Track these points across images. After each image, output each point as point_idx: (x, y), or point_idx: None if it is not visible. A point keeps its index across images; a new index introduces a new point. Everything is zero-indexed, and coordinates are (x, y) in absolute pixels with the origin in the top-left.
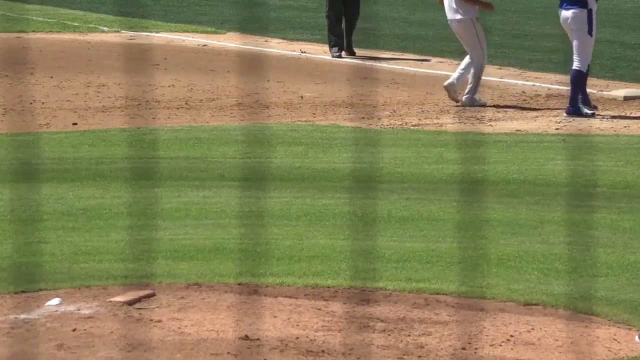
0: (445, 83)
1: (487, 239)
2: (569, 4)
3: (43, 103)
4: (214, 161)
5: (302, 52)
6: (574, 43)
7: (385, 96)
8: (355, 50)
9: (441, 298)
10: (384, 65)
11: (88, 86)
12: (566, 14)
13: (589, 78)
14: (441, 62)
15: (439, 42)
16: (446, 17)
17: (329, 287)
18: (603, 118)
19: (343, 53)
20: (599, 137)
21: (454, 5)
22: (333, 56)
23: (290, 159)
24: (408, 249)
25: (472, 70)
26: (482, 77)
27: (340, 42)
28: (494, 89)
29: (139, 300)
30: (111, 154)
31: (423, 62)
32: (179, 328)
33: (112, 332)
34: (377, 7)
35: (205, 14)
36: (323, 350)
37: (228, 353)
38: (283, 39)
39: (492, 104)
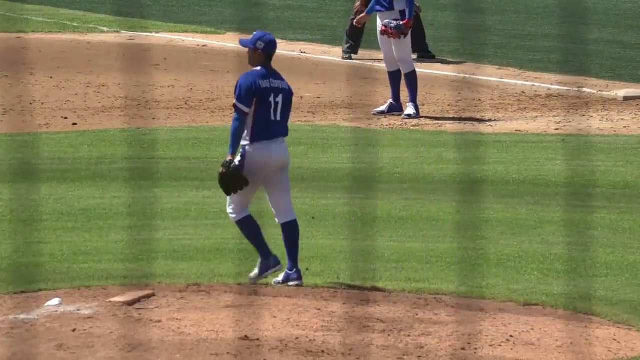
0: None
1: (487, 239)
2: None
3: (43, 103)
4: (213, 161)
5: (302, 52)
6: None
7: (385, 96)
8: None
9: (441, 298)
10: (384, 65)
11: (88, 86)
12: None
13: (588, 78)
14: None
15: (439, 42)
16: (446, 17)
17: (328, 287)
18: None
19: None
20: (598, 137)
21: None
22: (343, 58)
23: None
24: (408, 249)
25: None
26: (482, 78)
27: (356, 45)
28: (494, 89)
29: (138, 300)
30: (111, 154)
31: (422, 62)
32: (178, 328)
33: (111, 333)
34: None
35: (205, 14)
36: (323, 351)
37: (228, 353)
38: (283, 39)
39: (491, 104)
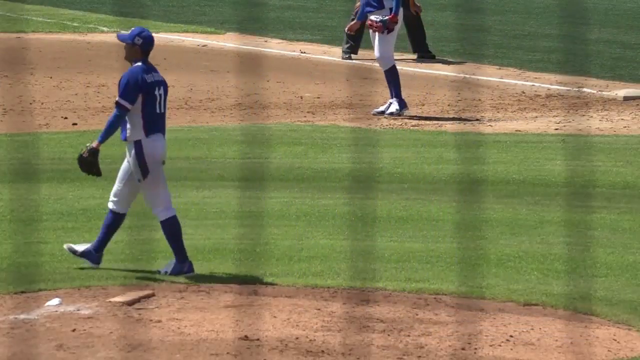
0: None
1: (487, 239)
2: None
3: (43, 103)
4: (213, 161)
5: (302, 52)
6: None
7: (385, 96)
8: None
9: (441, 298)
10: None
11: (88, 86)
12: None
13: (588, 78)
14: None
15: (439, 42)
16: (446, 17)
17: (328, 287)
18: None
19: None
20: (598, 137)
21: None
22: (343, 58)
23: (289, 159)
24: (408, 249)
25: None
26: (482, 78)
27: (356, 45)
28: (494, 89)
29: (138, 300)
30: (111, 154)
31: (422, 62)
32: (178, 328)
33: (111, 333)
34: None
35: (205, 14)
36: (323, 351)
37: (228, 353)
38: (283, 39)
39: (491, 104)
